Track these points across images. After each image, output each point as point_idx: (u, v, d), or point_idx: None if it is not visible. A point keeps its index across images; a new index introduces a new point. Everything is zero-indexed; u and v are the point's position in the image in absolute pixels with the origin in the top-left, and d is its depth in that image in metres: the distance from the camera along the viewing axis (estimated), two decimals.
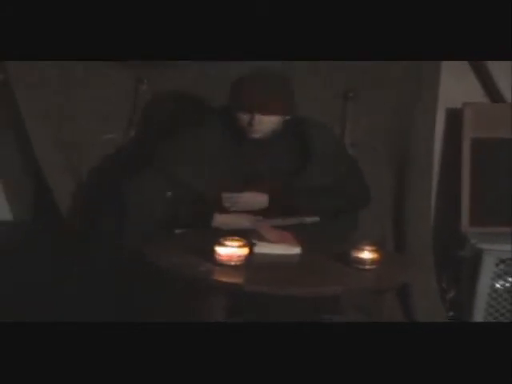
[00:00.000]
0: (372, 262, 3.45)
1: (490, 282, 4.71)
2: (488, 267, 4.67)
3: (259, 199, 3.97)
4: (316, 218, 4.00)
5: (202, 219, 3.95)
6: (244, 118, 3.90)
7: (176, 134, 4.10)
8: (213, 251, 3.34)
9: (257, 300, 3.44)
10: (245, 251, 3.35)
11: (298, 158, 4.06)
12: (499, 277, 4.72)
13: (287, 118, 4.00)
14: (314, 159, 4.03)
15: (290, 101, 4.01)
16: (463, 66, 4.79)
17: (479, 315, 4.71)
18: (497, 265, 4.68)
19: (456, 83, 4.77)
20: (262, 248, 3.52)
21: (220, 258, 3.34)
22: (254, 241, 3.51)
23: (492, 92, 4.85)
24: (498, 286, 4.74)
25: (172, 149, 4.03)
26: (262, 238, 3.56)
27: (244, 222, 3.93)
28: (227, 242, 3.35)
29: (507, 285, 4.75)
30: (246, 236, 3.46)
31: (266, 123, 3.92)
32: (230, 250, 3.34)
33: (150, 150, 4.13)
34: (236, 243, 3.35)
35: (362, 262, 3.43)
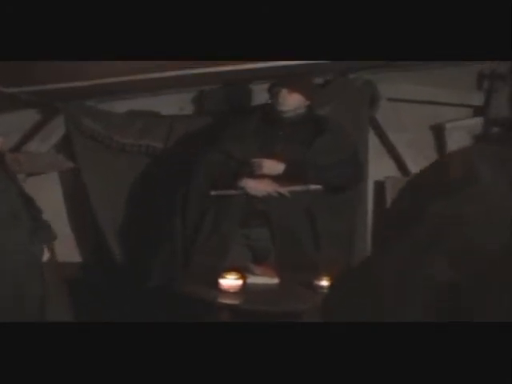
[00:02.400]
0: (328, 287, 3.42)
1: None
2: None
3: (277, 167, 3.73)
4: (318, 187, 3.75)
5: (234, 181, 3.75)
6: (274, 92, 3.81)
7: (228, 121, 4.02)
8: (218, 282, 3.33)
9: (248, 315, 3.34)
10: (240, 282, 3.33)
11: (310, 141, 3.85)
12: None
13: (307, 103, 3.87)
14: (325, 144, 3.84)
15: (309, 88, 3.91)
16: (382, 152, 4.82)
17: None
18: None
19: (379, 163, 4.79)
20: (252, 279, 3.46)
21: (222, 287, 3.33)
22: (246, 274, 3.44)
23: (402, 168, 4.88)
24: None
25: (223, 130, 3.95)
26: (251, 273, 3.52)
27: (265, 187, 3.74)
28: (227, 276, 3.34)
29: None
30: (241, 271, 3.43)
31: (288, 98, 3.79)
32: (230, 282, 3.33)
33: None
34: (233, 276, 3.34)
35: (321, 287, 3.36)
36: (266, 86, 4.00)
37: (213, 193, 3.77)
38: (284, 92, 3.79)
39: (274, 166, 3.74)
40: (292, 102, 3.81)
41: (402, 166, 4.84)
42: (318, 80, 4.54)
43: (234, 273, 3.33)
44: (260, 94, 4.26)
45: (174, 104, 4.61)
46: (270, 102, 3.90)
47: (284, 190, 3.72)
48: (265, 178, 3.74)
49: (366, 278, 1.38)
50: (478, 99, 4.62)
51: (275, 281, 3.53)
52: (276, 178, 3.74)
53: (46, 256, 3.42)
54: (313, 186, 3.75)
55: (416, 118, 4.72)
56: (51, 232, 3.52)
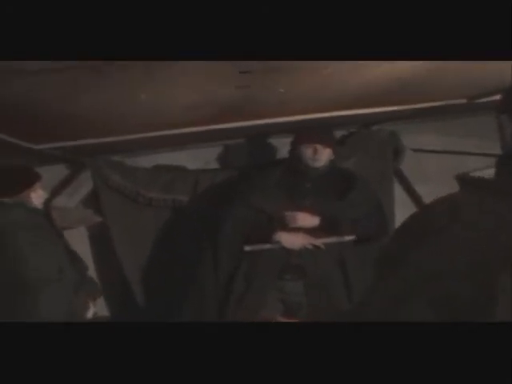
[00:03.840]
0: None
1: None
2: None
3: (312, 219, 3.75)
4: (352, 237, 3.76)
5: (268, 235, 3.74)
6: (309, 150, 3.81)
7: (254, 176, 4.06)
8: None
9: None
10: None
11: (340, 194, 3.88)
12: None
13: (332, 157, 3.90)
14: (352, 197, 3.86)
15: (335, 143, 3.99)
16: (408, 203, 4.81)
17: None
18: None
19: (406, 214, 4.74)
20: None
21: None
22: None
23: None
24: None
25: (250, 184, 3.98)
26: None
27: (300, 240, 3.73)
28: None
29: None
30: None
31: (323, 154, 3.82)
32: None
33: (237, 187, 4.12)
34: None
35: None
36: (288, 139, 4.04)
37: (247, 248, 3.75)
38: (320, 148, 3.82)
39: (308, 219, 3.75)
40: (326, 157, 3.86)
41: None
42: (342, 132, 4.58)
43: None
44: (283, 148, 4.29)
45: (200, 158, 4.66)
46: (290, 155, 3.94)
47: (319, 243, 3.73)
48: (299, 231, 3.75)
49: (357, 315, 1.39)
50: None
51: None
52: (309, 231, 3.75)
53: (91, 312, 3.46)
54: (347, 237, 3.77)
55: (440, 168, 4.72)
56: (96, 287, 3.57)
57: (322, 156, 3.84)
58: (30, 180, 3.52)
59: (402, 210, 4.67)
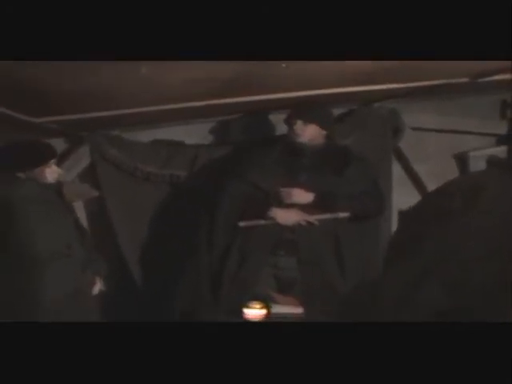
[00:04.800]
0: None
1: None
2: None
3: (306, 196, 3.75)
4: (347, 214, 3.77)
5: (263, 211, 3.74)
6: (290, 123, 3.84)
7: (252, 152, 4.06)
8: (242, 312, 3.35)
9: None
10: (264, 311, 3.35)
11: (337, 171, 3.86)
12: None
13: (324, 133, 3.88)
14: (348, 173, 3.86)
15: (324, 118, 3.91)
16: (406, 181, 4.82)
17: None
18: None
19: (403, 192, 4.77)
20: (277, 309, 3.46)
21: (247, 316, 3.35)
22: (271, 304, 3.44)
23: None
24: None
25: (248, 160, 3.99)
26: (276, 302, 3.53)
27: (294, 216, 3.74)
28: (252, 305, 3.36)
29: None
30: (265, 299, 3.44)
31: (304, 129, 3.81)
32: (254, 311, 3.35)
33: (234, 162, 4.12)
34: (258, 306, 3.36)
35: None
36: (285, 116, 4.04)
37: (241, 224, 3.77)
38: (299, 123, 3.82)
39: (302, 195, 3.76)
40: (308, 132, 3.84)
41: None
42: (342, 109, 4.57)
43: (258, 302, 3.35)
44: (281, 124, 4.28)
45: (198, 134, 4.66)
46: (288, 132, 3.93)
47: (313, 219, 3.74)
48: (293, 207, 3.76)
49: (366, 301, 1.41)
50: (501, 128, 4.62)
51: (300, 310, 3.54)
52: (303, 207, 3.76)
53: (97, 288, 3.50)
54: (341, 214, 3.77)
55: (440, 147, 4.72)
56: (102, 265, 3.61)
57: (304, 132, 3.83)
58: (46, 156, 3.53)
59: (400, 189, 4.68)
